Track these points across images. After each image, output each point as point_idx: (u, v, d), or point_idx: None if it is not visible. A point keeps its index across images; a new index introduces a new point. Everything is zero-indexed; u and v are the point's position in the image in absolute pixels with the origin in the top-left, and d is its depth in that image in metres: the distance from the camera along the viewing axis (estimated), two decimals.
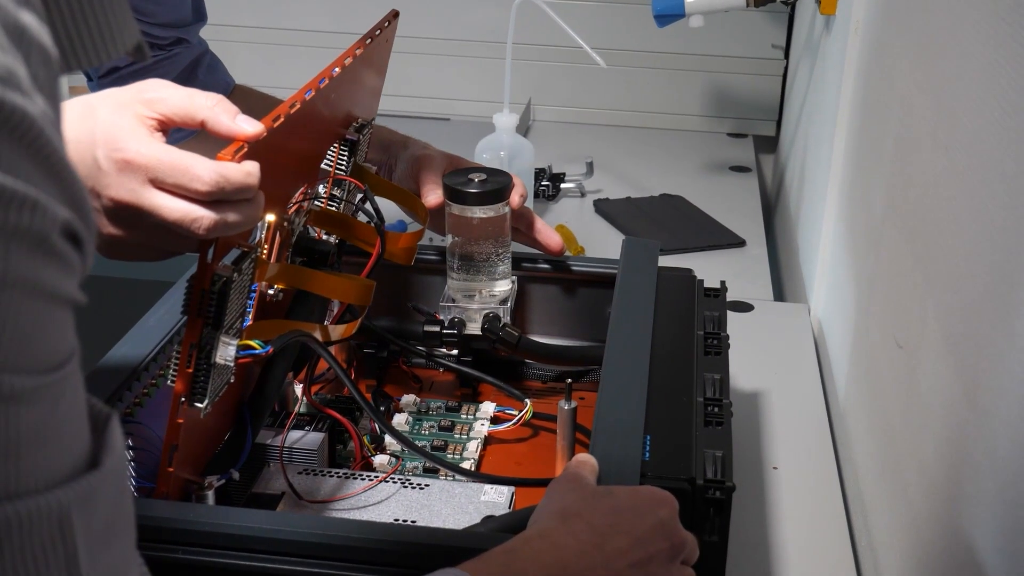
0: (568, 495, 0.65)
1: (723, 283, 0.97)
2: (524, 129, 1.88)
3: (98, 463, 0.38)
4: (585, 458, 0.70)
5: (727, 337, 0.88)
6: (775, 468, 1.02)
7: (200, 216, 0.64)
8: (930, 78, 0.86)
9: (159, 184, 0.64)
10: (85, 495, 0.37)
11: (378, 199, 0.88)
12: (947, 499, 0.71)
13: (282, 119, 0.71)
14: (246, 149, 0.66)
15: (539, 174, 1.63)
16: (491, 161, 1.39)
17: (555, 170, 1.67)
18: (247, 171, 0.64)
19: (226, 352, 0.69)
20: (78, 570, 0.36)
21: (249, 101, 0.67)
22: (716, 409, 0.78)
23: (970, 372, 0.69)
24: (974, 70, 0.72)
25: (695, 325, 0.90)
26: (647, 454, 0.72)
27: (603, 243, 1.49)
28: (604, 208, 1.61)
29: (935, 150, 0.81)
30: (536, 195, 1.62)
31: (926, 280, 0.81)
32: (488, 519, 0.75)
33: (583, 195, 1.67)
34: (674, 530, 0.63)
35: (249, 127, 0.66)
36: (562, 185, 1.67)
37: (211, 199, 0.64)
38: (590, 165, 1.69)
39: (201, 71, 1.19)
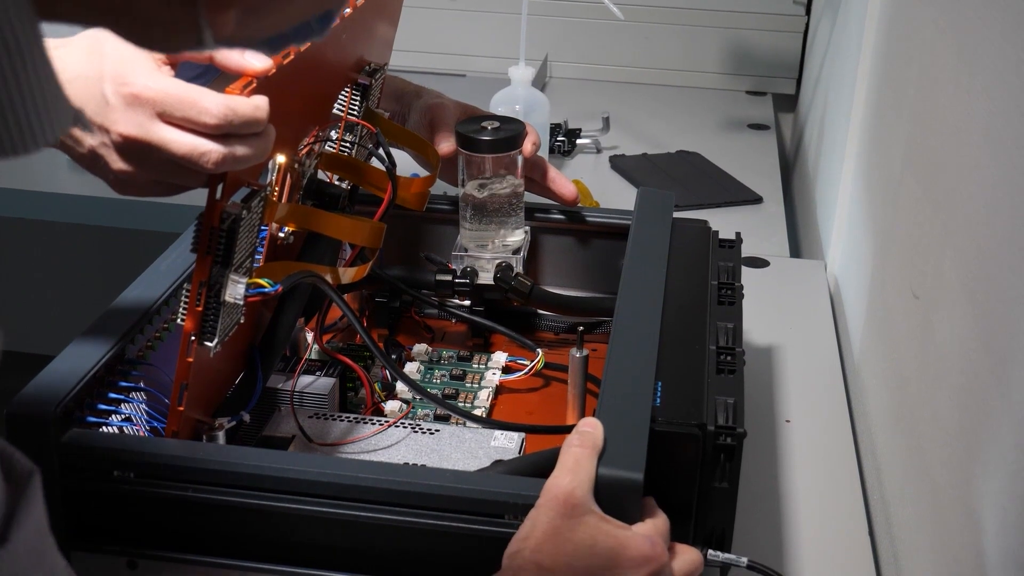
0: (550, 540, 0.60)
1: (738, 234, 0.96)
2: (541, 85, 1.86)
3: (5, 538, 0.33)
4: (584, 463, 0.63)
5: (741, 287, 0.87)
6: (788, 422, 1.02)
7: (208, 150, 0.63)
8: (953, 22, 0.84)
9: (167, 118, 0.64)
10: None
11: (392, 151, 0.87)
12: (961, 448, 0.71)
13: (292, 56, 0.70)
14: (255, 85, 0.65)
15: (555, 129, 1.62)
16: (506, 114, 1.37)
17: (571, 126, 1.66)
18: (256, 104, 0.64)
19: (235, 290, 0.69)
20: None
21: None
22: (729, 358, 0.78)
23: (987, 319, 0.68)
24: (998, 12, 0.71)
25: (709, 275, 0.89)
26: (658, 400, 0.72)
27: (619, 199, 1.48)
28: (620, 164, 1.60)
29: (957, 95, 0.80)
30: (552, 151, 1.60)
31: (944, 228, 0.80)
32: (498, 463, 0.74)
33: (599, 151, 1.66)
34: None
35: (258, 62, 0.66)
36: (578, 141, 1.65)
37: (219, 132, 0.63)
38: (606, 121, 1.67)
39: None
